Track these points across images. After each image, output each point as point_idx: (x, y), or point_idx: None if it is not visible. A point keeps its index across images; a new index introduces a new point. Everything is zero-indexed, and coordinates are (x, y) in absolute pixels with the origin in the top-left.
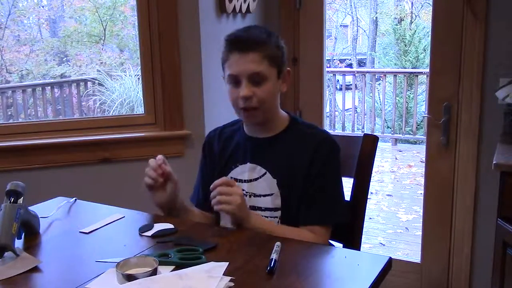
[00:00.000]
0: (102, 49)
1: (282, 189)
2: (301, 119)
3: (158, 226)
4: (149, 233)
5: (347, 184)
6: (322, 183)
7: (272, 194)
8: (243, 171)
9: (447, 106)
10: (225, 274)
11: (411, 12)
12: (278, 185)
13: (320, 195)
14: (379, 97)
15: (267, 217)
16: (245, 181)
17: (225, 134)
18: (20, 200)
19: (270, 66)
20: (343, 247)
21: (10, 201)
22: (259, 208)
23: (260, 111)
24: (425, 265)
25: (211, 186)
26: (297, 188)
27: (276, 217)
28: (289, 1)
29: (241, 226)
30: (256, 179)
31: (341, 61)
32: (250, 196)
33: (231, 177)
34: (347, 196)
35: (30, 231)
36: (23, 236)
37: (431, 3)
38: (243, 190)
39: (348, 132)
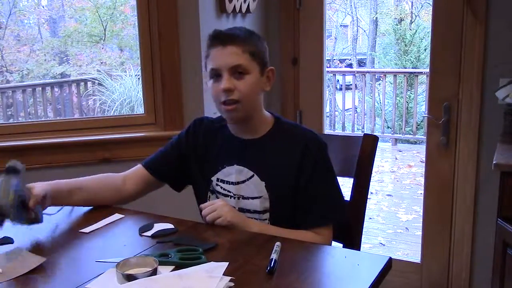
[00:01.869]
0: (102, 49)
1: (270, 191)
2: (285, 119)
3: (158, 226)
4: (149, 233)
5: (347, 184)
6: (318, 183)
7: (260, 197)
8: (230, 173)
9: (447, 106)
10: (225, 274)
11: (411, 12)
12: (266, 188)
13: (318, 195)
14: (379, 97)
15: (256, 219)
16: (232, 183)
17: (211, 129)
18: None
19: (252, 60)
20: (343, 247)
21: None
22: (248, 211)
23: (241, 105)
24: (425, 265)
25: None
26: (286, 190)
27: (265, 219)
28: (289, 1)
29: None
30: (243, 181)
31: (341, 61)
32: (238, 199)
33: (218, 178)
34: (347, 196)
35: (35, 218)
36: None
37: (431, 3)
38: (230, 192)
39: (348, 132)
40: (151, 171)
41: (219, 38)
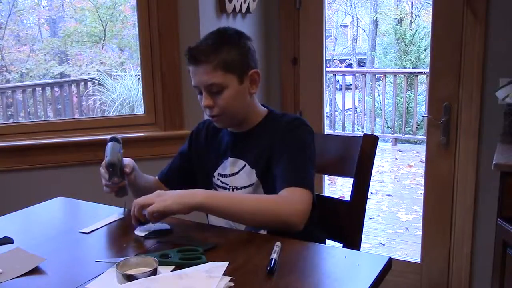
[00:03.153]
0: (102, 49)
1: (261, 178)
2: (278, 111)
3: (155, 226)
4: (143, 232)
5: (347, 184)
6: (288, 152)
7: (252, 185)
8: (226, 166)
9: (447, 106)
10: (225, 274)
11: (411, 12)
12: (257, 175)
13: (288, 162)
14: (379, 97)
15: None
16: (227, 175)
17: (212, 128)
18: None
19: (226, 73)
20: (343, 247)
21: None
22: None
23: (225, 117)
24: (425, 265)
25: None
26: (273, 172)
27: None
28: (289, 1)
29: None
30: (237, 172)
31: (341, 61)
32: (233, 190)
33: (218, 173)
34: (347, 196)
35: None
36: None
37: (431, 3)
38: (227, 184)
39: (348, 132)
40: (164, 184)
41: (191, 56)
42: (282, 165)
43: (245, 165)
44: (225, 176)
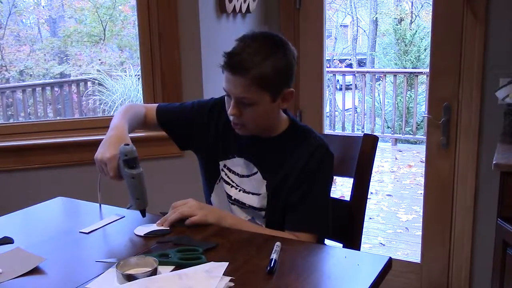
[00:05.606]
0: (103, 49)
1: (270, 191)
2: (300, 122)
3: (153, 227)
4: (142, 232)
5: (347, 184)
6: (308, 190)
7: (259, 194)
8: (238, 164)
9: (447, 106)
10: (225, 274)
11: (411, 12)
12: (266, 187)
13: (304, 202)
14: (379, 97)
15: (251, 216)
16: (237, 174)
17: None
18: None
19: (260, 90)
20: (343, 247)
21: (133, 166)
22: (243, 204)
23: (248, 127)
24: (425, 265)
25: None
26: (284, 193)
27: (261, 216)
28: (289, 1)
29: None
30: (247, 176)
31: (341, 61)
32: (239, 191)
33: (225, 165)
34: (347, 196)
35: None
36: None
37: (431, 3)
38: (233, 182)
39: (348, 132)
40: (159, 122)
41: (229, 64)
42: (300, 199)
43: (256, 172)
44: (235, 174)
